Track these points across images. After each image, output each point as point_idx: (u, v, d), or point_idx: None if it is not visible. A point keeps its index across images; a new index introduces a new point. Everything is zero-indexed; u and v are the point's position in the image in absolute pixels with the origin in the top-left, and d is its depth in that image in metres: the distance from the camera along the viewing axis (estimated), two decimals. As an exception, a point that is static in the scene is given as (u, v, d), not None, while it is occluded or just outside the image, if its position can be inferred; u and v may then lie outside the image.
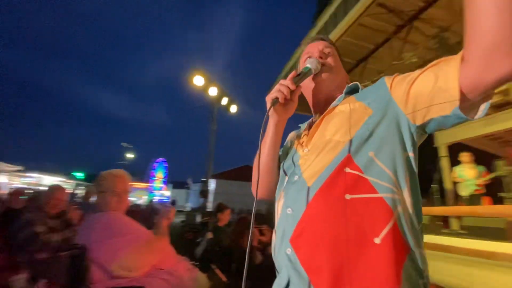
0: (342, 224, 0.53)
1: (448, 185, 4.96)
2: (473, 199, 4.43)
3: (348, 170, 0.58)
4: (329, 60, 0.83)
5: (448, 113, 0.51)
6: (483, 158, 4.89)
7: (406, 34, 5.31)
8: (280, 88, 0.71)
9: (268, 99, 0.72)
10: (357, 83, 0.79)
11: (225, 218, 3.37)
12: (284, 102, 0.73)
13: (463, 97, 0.48)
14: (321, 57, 0.82)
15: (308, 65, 0.77)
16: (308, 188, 0.61)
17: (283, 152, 0.86)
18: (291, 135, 0.93)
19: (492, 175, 4.35)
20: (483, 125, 7.12)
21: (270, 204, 7.62)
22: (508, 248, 2.89)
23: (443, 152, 7.54)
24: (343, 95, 0.76)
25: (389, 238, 0.52)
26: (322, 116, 0.73)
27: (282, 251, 0.61)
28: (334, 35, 5.39)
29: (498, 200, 5.84)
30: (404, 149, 0.60)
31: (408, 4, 5.08)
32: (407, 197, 0.57)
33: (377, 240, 0.51)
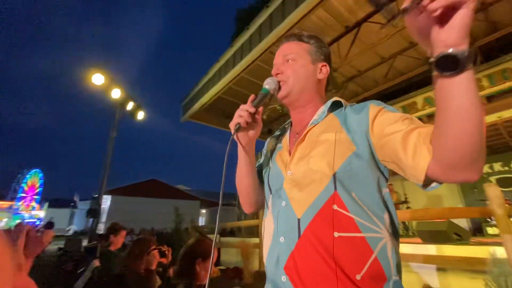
0: (331, 260, 0.58)
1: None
2: None
3: (336, 207, 0.62)
4: (288, 71, 0.79)
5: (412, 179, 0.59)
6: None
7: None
8: (240, 113, 0.72)
9: (231, 125, 0.73)
10: (341, 100, 0.77)
11: (118, 240, 2.88)
12: (247, 125, 0.74)
13: (426, 178, 0.55)
14: (278, 73, 0.80)
15: (266, 87, 0.76)
16: (299, 220, 0.64)
17: (264, 161, 0.88)
18: (270, 142, 0.91)
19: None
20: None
21: (178, 223, 7.10)
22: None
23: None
24: (324, 110, 0.76)
25: (369, 273, 0.57)
26: (303, 135, 0.74)
27: (277, 277, 0.64)
28: (248, 58, 5.82)
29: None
30: (380, 187, 0.65)
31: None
32: (386, 233, 0.61)
33: (358, 277, 0.57)
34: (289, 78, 0.78)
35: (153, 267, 2.02)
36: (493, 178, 7.85)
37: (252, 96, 0.75)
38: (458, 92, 0.44)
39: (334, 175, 0.64)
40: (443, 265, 2.79)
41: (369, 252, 0.58)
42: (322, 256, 0.59)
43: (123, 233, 2.95)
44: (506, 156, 7.80)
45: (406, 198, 7.25)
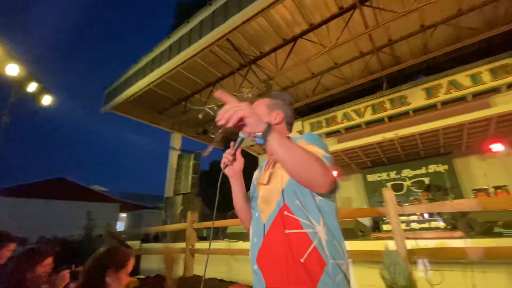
0: (283, 249, 0.83)
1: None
2: None
3: (286, 213, 0.88)
4: None
5: None
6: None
7: (246, 73, 6.41)
8: (226, 156, 1.00)
9: (222, 165, 1.01)
10: (290, 136, 1.09)
11: (3, 254, 2.27)
12: (232, 163, 1.03)
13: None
14: None
15: (241, 136, 0.94)
16: (264, 224, 0.92)
17: (252, 189, 1.13)
18: (256, 173, 1.17)
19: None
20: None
21: (89, 228, 6.15)
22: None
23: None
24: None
25: (310, 258, 0.80)
26: (267, 167, 1.04)
27: (253, 267, 0.90)
28: (186, 53, 5.56)
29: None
30: (314, 196, 0.89)
31: (249, 49, 6.17)
32: (322, 229, 0.85)
33: (302, 260, 0.80)
34: None
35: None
36: (389, 184, 9.58)
37: (232, 143, 1.00)
38: (273, 150, 0.77)
39: (282, 191, 0.92)
40: (351, 258, 3.20)
41: (309, 243, 0.82)
42: (278, 247, 0.84)
43: (12, 245, 2.33)
44: (399, 166, 9.64)
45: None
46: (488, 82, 5.68)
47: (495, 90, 5.91)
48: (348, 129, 7.74)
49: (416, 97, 6.45)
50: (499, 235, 3.02)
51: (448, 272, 2.48)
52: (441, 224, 5.58)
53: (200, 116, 6.82)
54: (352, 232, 3.87)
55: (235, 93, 6.20)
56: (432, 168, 8.22)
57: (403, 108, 6.64)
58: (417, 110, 6.82)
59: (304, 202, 0.87)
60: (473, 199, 3.76)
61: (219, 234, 6.54)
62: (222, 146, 10.15)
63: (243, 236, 4.82)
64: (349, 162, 10.34)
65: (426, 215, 6.26)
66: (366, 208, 8.07)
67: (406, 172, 9.43)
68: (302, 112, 9.06)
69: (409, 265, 2.50)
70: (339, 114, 7.42)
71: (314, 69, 7.08)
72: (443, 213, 5.42)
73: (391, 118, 7.20)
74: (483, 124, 7.27)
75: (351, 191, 10.78)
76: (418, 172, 8.99)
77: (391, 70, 6.58)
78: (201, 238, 6.13)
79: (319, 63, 6.80)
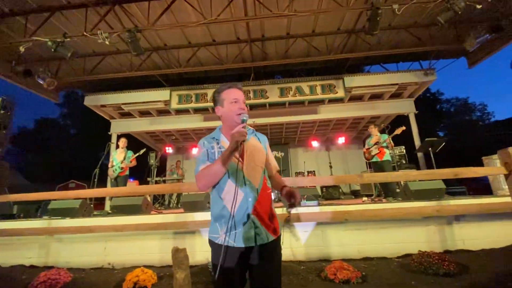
0: (269, 202, 1.30)
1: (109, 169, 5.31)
2: (119, 180, 5.08)
3: (266, 181, 1.35)
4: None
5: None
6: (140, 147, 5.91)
7: (106, 13, 5.09)
8: (243, 133, 1.15)
9: (240, 139, 1.14)
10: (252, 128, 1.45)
11: None
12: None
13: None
14: (243, 109, 1.32)
15: (245, 118, 1.21)
16: (257, 189, 1.27)
17: (212, 157, 1.30)
18: (208, 143, 1.34)
19: (132, 159, 5.16)
20: (148, 123, 8.88)
21: None
22: (145, 219, 3.66)
23: (113, 139, 8.14)
24: (252, 133, 1.42)
25: (273, 211, 1.33)
26: (242, 144, 1.18)
27: (245, 218, 1.21)
28: None
29: (144, 183, 7.39)
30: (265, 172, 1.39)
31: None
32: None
33: (273, 206, 1.34)
34: None
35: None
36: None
37: (243, 124, 1.18)
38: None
39: (263, 167, 1.35)
40: (193, 229, 3.36)
41: (271, 197, 1.35)
42: (266, 201, 1.28)
43: None
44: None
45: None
46: (319, 94, 7.51)
47: (321, 102, 7.98)
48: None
49: (273, 93, 7.58)
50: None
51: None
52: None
53: (22, 49, 4.82)
54: (202, 204, 4.08)
55: (85, 33, 4.81)
56: (273, 154, 10.14)
57: (262, 101, 7.64)
58: (272, 105, 8.07)
59: (268, 174, 1.43)
60: (300, 178, 5.07)
61: (40, 210, 5.12)
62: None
63: (70, 212, 3.96)
64: (211, 141, 10.86)
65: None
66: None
67: (256, 156, 11.10)
68: (173, 81, 8.47)
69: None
70: (209, 92, 7.51)
71: (191, 39, 6.70)
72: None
73: (252, 107, 8.11)
74: (310, 125, 9.74)
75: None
76: (264, 156, 10.78)
77: (259, 64, 7.32)
78: (9, 217, 4.55)
79: (197, 34, 6.50)
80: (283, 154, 7.54)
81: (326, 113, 8.19)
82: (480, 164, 4.88)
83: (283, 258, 3.05)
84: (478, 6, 4.50)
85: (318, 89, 7.48)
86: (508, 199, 2.79)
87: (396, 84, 7.31)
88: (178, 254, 2.17)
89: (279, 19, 5.65)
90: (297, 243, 3.19)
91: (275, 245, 1.26)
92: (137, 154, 5.30)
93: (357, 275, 2.31)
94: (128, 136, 6.64)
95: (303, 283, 2.39)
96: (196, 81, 8.40)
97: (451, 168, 2.82)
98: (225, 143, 1.30)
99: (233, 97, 1.30)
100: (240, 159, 1.24)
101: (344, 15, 6.04)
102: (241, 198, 1.22)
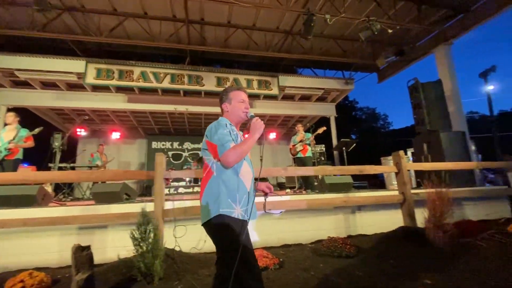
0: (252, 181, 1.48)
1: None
2: (6, 165, 4.12)
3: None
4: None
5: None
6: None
7: None
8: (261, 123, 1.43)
9: (261, 129, 1.41)
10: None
11: None
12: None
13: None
14: (248, 108, 1.56)
15: (252, 114, 1.47)
16: (253, 171, 1.51)
17: (233, 137, 1.43)
18: (230, 125, 1.47)
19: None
20: (54, 98, 7.31)
21: None
22: (38, 212, 2.97)
23: (1, 112, 6.42)
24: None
25: None
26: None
27: (253, 187, 1.48)
28: None
29: (43, 169, 6.10)
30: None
31: None
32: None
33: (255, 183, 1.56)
34: None
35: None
36: (171, 153, 10.26)
37: (257, 118, 1.45)
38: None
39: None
40: (104, 222, 2.95)
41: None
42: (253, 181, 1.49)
43: None
44: (182, 138, 10.58)
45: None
46: (255, 89, 7.64)
47: (257, 97, 8.15)
48: (143, 90, 7.23)
49: (209, 81, 7.31)
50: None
51: (191, 226, 2.98)
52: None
53: None
54: (118, 195, 3.61)
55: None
56: (206, 144, 9.95)
57: (198, 87, 7.28)
58: (207, 93, 7.78)
59: None
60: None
61: None
62: None
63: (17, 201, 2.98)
64: (137, 126, 9.80)
65: (192, 182, 7.38)
66: (135, 170, 8.09)
67: (187, 145, 10.61)
68: (90, 51, 7.21)
69: (161, 223, 2.71)
70: (136, 70, 6.70)
71: (117, 5, 5.80)
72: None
73: (186, 93, 7.66)
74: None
75: (133, 155, 10.36)
76: (196, 146, 10.41)
77: (196, 48, 6.94)
78: None
79: (126, 1, 5.68)
80: (215, 145, 7.43)
81: (261, 108, 8.42)
82: (379, 163, 5.88)
83: (208, 250, 3.01)
84: (390, 31, 5.34)
85: (255, 84, 7.61)
86: (395, 193, 3.44)
87: (323, 88, 8.08)
88: (80, 252, 1.84)
89: (220, 4, 5.45)
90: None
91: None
92: (32, 133, 4.34)
93: (274, 262, 2.44)
94: (24, 111, 5.33)
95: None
96: (121, 56, 7.37)
97: (357, 166, 3.29)
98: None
99: (241, 98, 1.54)
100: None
101: (283, 15, 6.26)
102: (251, 177, 1.47)
